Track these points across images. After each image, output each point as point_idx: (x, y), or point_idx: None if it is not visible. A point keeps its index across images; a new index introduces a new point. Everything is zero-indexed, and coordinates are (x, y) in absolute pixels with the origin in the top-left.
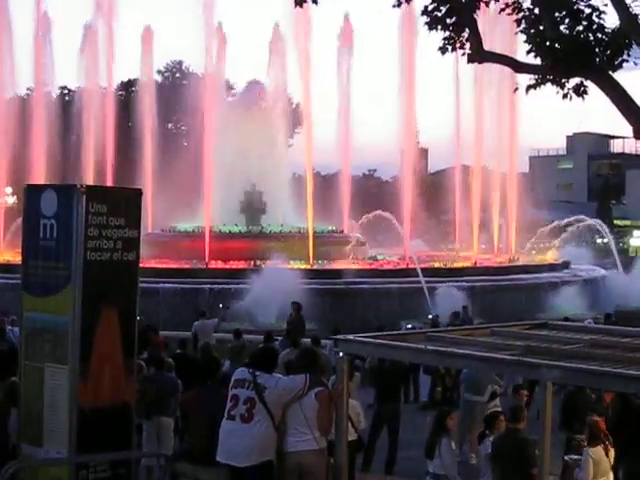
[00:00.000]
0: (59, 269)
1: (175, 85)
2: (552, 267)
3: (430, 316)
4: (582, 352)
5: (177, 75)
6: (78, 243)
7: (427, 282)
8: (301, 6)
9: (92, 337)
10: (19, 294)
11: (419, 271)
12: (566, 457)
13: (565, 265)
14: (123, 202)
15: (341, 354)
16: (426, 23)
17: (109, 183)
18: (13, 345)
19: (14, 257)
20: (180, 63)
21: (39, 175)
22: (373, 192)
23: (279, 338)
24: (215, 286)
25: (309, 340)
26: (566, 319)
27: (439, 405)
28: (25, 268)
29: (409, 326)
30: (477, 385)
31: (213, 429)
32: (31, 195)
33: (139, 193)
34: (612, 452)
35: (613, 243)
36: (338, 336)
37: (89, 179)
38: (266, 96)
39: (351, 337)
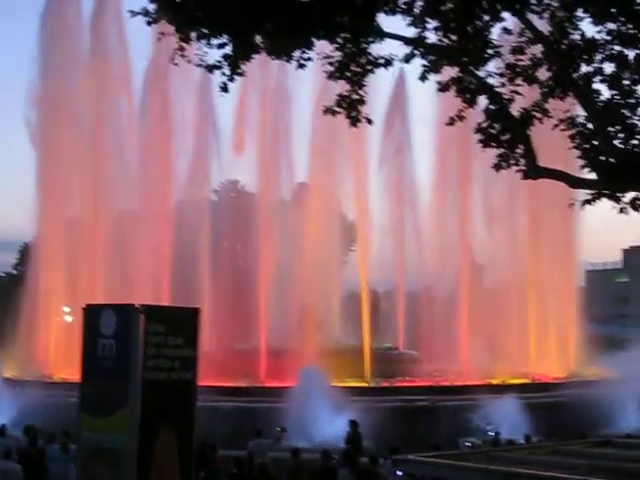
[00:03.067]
0: (117, 388)
1: (230, 204)
2: (612, 381)
3: (491, 434)
4: None
5: (232, 194)
6: (136, 363)
7: (485, 399)
8: (355, 126)
9: (150, 457)
10: (76, 413)
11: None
12: None
13: (624, 379)
14: (181, 321)
15: (400, 473)
16: (480, 141)
17: (165, 302)
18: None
19: (71, 375)
20: (235, 182)
21: (96, 294)
22: (428, 308)
23: (336, 457)
24: (271, 405)
25: (367, 459)
26: (628, 436)
27: None
28: (83, 388)
29: (468, 444)
30: None
31: None
32: (90, 315)
33: (197, 312)
34: None
35: None
36: (398, 455)
37: (146, 298)
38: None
39: (411, 457)
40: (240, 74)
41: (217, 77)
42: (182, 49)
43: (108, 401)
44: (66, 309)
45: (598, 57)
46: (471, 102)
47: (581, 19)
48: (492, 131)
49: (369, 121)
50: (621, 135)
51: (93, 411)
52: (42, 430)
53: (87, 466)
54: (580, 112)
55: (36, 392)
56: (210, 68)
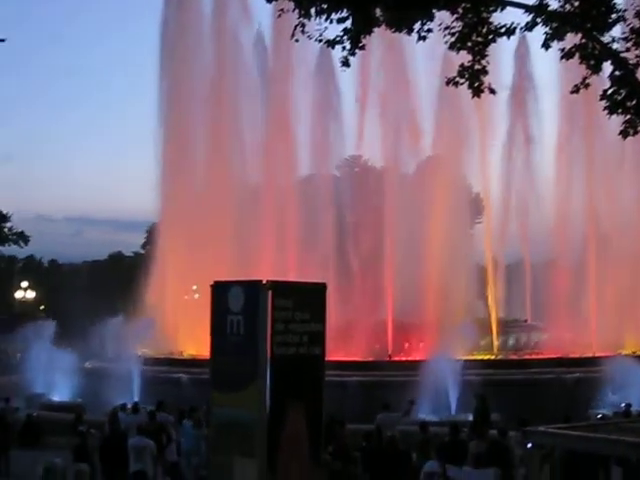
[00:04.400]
0: (246, 364)
1: (354, 179)
2: None
3: (622, 405)
4: None
5: (356, 169)
6: (265, 338)
7: (616, 370)
8: (478, 96)
9: (279, 431)
10: (206, 389)
11: None
12: None
13: None
14: (308, 296)
15: (530, 445)
16: (606, 107)
17: (291, 278)
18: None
19: (199, 352)
20: (358, 157)
21: (223, 271)
22: (555, 280)
23: (465, 430)
24: (398, 378)
25: (495, 432)
26: None
27: None
28: (213, 364)
29: (599, 416)
30: None
31: None
32: (218, 292)
33: (324, 287)
34: None
35: None
36: (528, 427)
37: (272, 273)
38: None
39: (541, 428)
40: (361, 48)
41: (338, 52)
42: (302, 25)
43: (237, 377)
44: (194, 287)
45: None
46: (596, 69)
47: None
48: (618, 97)
49: (492, 91)
50: None
51: (223, 387)
52: (173, 406)
53: (218, 441)
54: None
55: (166, 369)
56: (331, 43)
